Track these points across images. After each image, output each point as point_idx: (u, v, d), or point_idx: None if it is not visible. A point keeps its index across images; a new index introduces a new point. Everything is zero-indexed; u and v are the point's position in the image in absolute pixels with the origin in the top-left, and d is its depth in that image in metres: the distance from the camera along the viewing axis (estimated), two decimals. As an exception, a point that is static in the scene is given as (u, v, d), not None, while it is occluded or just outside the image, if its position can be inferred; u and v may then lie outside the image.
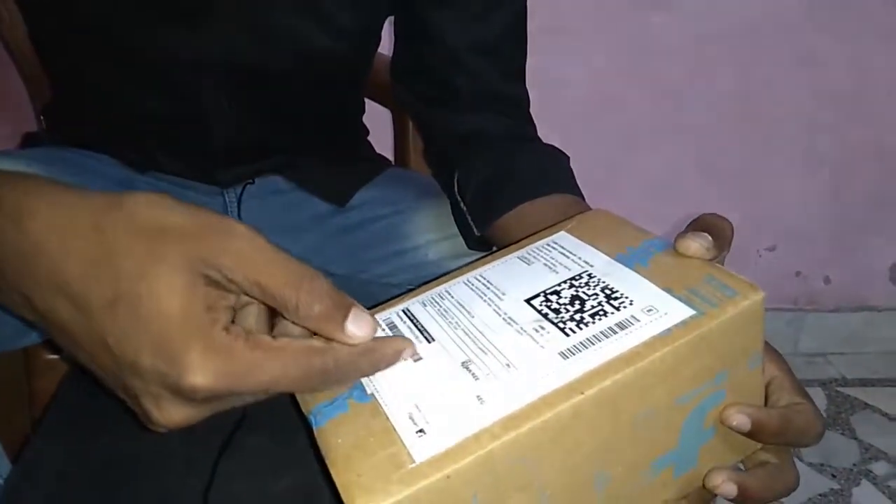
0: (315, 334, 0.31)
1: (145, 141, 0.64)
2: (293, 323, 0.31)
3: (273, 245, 0.29)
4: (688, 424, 0.33)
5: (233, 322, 0.30)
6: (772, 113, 1.29)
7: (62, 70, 0.65)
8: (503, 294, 0.36)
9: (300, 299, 0.29)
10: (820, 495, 1.12)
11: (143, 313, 0.27)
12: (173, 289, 0.27)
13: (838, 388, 1.37)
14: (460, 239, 0.62)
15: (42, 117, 0.74)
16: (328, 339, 0.30)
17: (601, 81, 1.23)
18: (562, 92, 1.19)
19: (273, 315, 0.33)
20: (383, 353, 0.32)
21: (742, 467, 0.36)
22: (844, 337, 1.46)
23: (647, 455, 0.32)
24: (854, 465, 1.18)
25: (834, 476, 1.16)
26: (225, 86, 0.59)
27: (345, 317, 0.30)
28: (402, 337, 0.33)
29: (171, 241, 0.28)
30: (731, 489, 0.33)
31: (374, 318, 0.31)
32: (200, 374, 0.27)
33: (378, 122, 0.84)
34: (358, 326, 0.30)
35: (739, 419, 0.33)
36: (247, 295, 0.30)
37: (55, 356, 0.68)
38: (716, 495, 0.35)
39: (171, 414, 0.28)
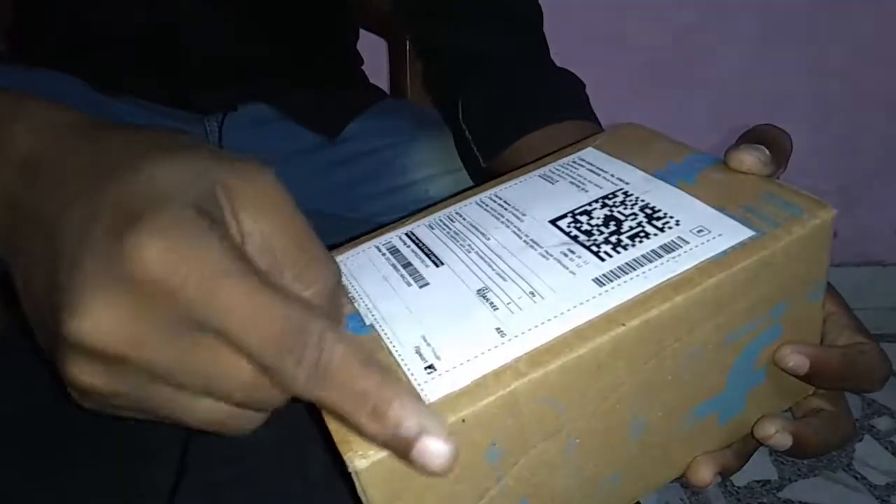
0: None
1: (116, 60, 0.58)
2: None
3: None
4: (738, 365, 0.28)
5: None
6: (783, 58, 1.23)
7: None
8: (523, 215, 0.31)
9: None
10: (822, 450, 1.10)
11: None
12: None
13: (840, 344, 1.35)
14: (464, 174, 0.57)
15: (7, 35, 0.67)
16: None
17: (607, 19, 1.16)
18: (563, 28, 1.12)
19: None
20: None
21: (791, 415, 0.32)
22: (848, 291, 1.40)
23: (690, 399, 0.28)
24: (856, 420, 1.16)
25: (836, 431, 1.14)
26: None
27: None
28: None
29: None
30: (785, 440, 0.29)
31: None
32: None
33: (372, 54, 0.77)
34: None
35: (797, 360, 0.28)
36: None
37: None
38: (760, 444, 0.30)
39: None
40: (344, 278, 0.29)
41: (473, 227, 0.31)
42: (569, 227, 0.29)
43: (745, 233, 0.27)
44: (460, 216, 0.32)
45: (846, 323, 0.31)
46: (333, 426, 0.23)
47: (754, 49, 1.22)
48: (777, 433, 0.29)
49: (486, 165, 0.53)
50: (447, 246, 0.30)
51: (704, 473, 0.29)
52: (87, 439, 0.39)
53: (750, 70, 1.24)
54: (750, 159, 0.29)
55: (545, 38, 0.56)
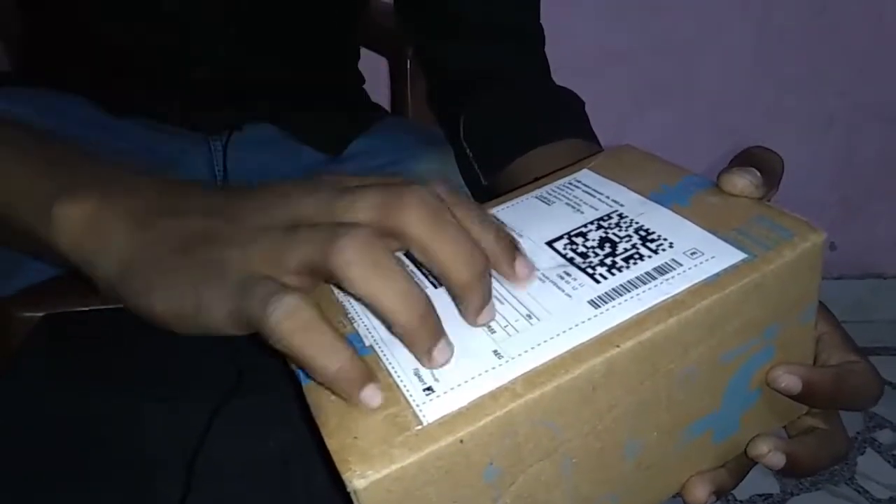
0: None
1: (125, 79, 0.59)
2: None
3: None
4: (732, 385, 0.29)
5: None
6: (783, 70, 1.24)
7: (37, 2, 0.59)
8: (520, 236, 0.31)
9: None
10: (824, 464, 1.10)
11: None
12: None
13: (842, 357, 1.34)
14: (465, 191, 0.57)
15: (12, 55, 0.68)
16: None
17: (607, 33, 1.17)
18: (563, 44, 1.13)
19: None
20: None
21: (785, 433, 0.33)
22: (849, 305, 1.42)
23: (685, 419, 0.28)
24: (858, 433, 1.15)
25: (838, 445, 1.13)
26: (208, 14, 0.53)
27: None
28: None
29: None
30: (778, 459, 0.29)
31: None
32: None
33: (373, 72, 0.78)
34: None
35: (789, 380, 0.29)
36: None
37: (29, 313, 0.63)
38: (756, 463, 0.31)
39: None
40: (343, 299, 0.30)
41: None
42: (565, 248, 0.30)
43: (737, 255, 0.27)
44: (459, 238, 0.32)
45: (838, 342, 0.32)
46: (333, 446, 0.24)
47: (754, 63, 1.23)
48: (770, 452, 0.29)
49: (487, 183, 0.54)
50: None
51: (699, 492, 0.29)
52: (95, 453, 0.39)
53: (750, 84, 1.24)
54: (742, 182, 0.30)
55: (546, 56, 0.57)
